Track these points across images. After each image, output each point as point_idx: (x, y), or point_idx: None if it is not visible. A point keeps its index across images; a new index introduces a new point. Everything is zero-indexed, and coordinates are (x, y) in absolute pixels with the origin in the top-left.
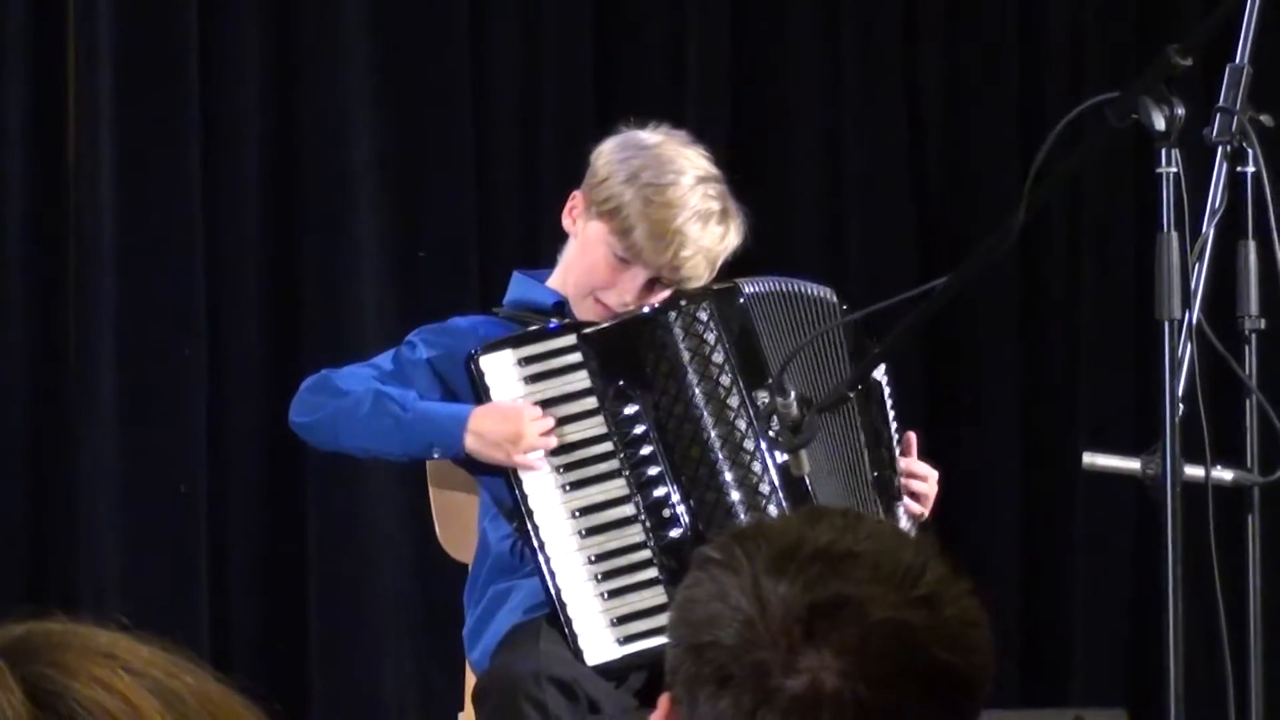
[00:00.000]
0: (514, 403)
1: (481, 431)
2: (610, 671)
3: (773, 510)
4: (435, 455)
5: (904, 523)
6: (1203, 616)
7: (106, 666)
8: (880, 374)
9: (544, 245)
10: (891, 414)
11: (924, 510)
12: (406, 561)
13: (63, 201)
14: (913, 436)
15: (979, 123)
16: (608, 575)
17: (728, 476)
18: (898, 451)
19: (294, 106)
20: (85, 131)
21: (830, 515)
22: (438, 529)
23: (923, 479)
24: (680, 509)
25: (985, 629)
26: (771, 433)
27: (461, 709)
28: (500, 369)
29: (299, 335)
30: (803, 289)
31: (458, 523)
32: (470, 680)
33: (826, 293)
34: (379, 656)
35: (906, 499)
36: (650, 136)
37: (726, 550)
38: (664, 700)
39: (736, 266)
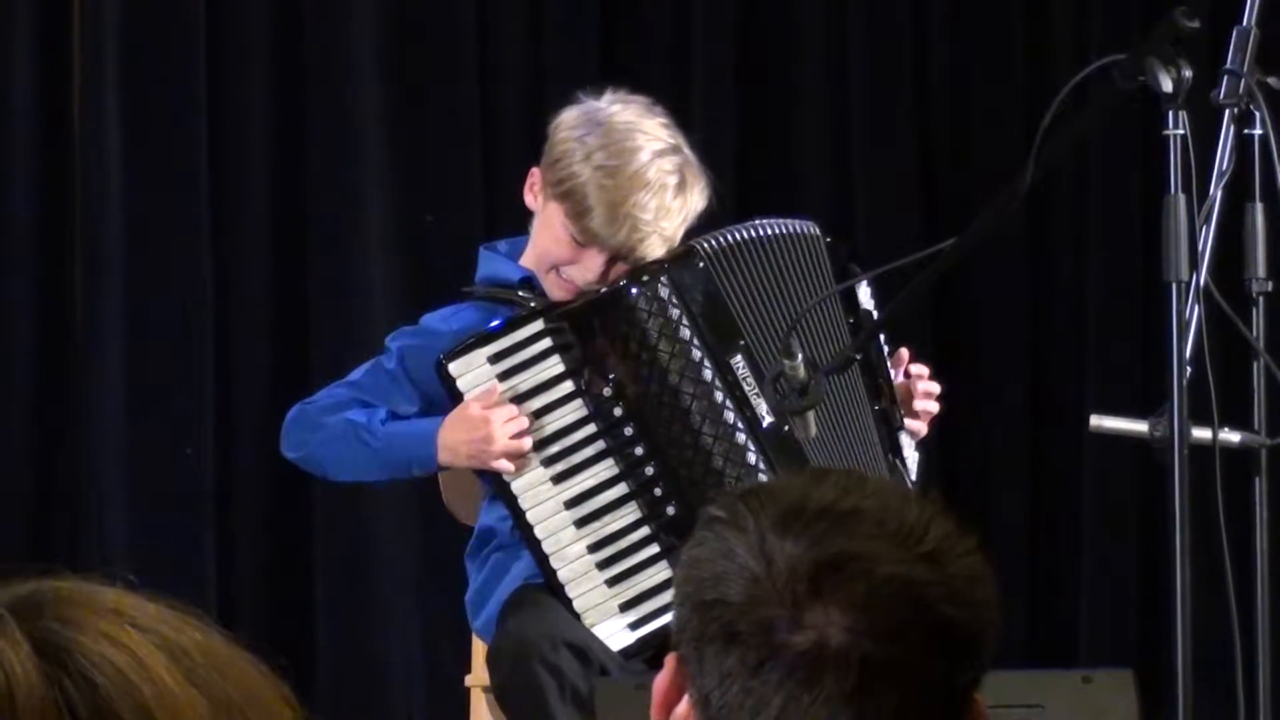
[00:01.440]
0: (483, 402)
1: (451, 444)
2: (627, 654)
3: (762, 477)
4: (415, 473)
5: (909, 451)
6: (1210, 578)
7: (113, 622)
8: (868, 302)
9: None
10: (882, 337)
11: (923, 428)
12: (412, 527)
13: (69, 178)
14: (904, 353)
15: (986, 86)
16: (607, 562)
17: (713, 449)
18: (892, 373)
19: (301, 93)
20: (91, 83)
21: (834, 475)
22: (444, 493)
23: (929, 390)
24: (670, 485)
25: (991, 585)
26: (778, 396)
27: (468, 673)
28: (471, 370)
29: (307, 306)
30: (767, 231)
31: (463, 486)
32: (476, 645)
33: (804, 227)
34: (385, 622)
35: (909, 422)
36: (606, 108)
37: (731, 509)
38: (670, 659)
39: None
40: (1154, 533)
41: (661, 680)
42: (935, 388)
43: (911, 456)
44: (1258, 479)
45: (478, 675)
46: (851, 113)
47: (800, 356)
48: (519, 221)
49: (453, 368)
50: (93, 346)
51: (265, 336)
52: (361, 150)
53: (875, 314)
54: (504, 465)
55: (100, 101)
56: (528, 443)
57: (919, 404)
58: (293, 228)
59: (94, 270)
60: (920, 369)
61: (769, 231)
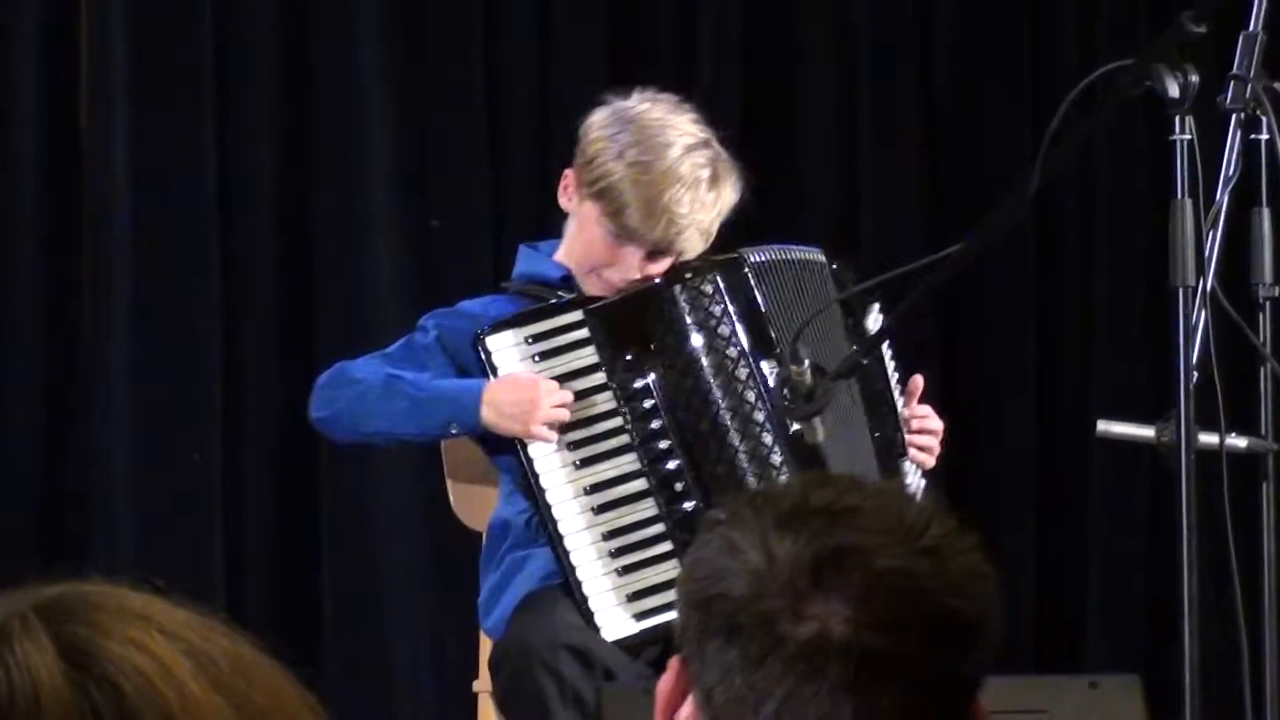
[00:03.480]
0: (530, 372)
1: (497, 403)
2: (628, 646)
3: (784, 480)
4: (454, 432)
5: (911, 478)
6: (1217, 583)
7: (140, 627)
8: (877, 323)
9: (558, 214)
10: (891, 365)
11: (930, 460)
12: (420, 530)
13: (77, 181)
14: (919, 379)
15: (993, 90)
16: (621, 551)
17: (739, 448)
18: (900, 404)
19: (307, 94)
20: (100, 97)
21: (835, 478)
22: (451, 497)
23: (931, 433)
24: (692, 482)
25: (991, 582)
26: (785, 401)
27: (476, 678)
28: (507, 348)
29: (314, 308)
30: (799, 254)
31: (472, 491)
32: (485, 649)
33: (814, 253)
34: (393, 626)
35: (913, 452)
36: (636, 106)
37: (733, 511)
38: (674, 662)
39: (743, 227)
40: (1161, 538)
41: (665, 683)
42: (935, 426)
43: (914, 483)
44: (1265, 484)
45: (486, 681)
46: (857, 117)
47: (807, 363)
48: (527, 226)
49: (490, 342)
50: (100, 351)
51: (273, 341)
52: (368, 156)
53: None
54: (544, 433)
55: (108, 107)
56: (566, 415)
57: (917, 440)
58: (299, 233)
59: (102, 276)
60: (923, 410)
61: (802, 256)
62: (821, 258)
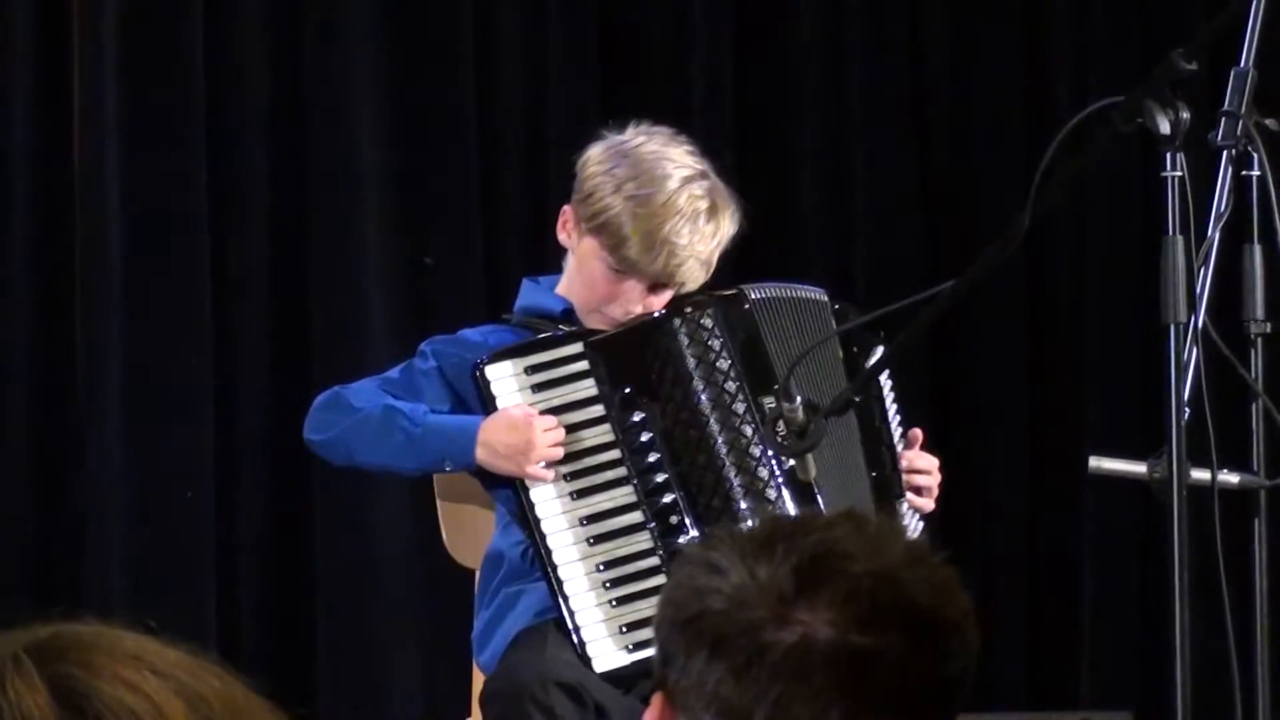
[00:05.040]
0: (523, 411)
1: (492, 443)
2: (619, 679)
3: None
4: (448, 469)
5: (907, 520)
6: (1209, 619)
7: (133, 668)
8: (882, 377)
9: (551, 243)
10: (893, 409)
11: (928, 504)
12: (413, 566)
13: (69, 209)
14: (918, 432)
15: (986, 127)
16: (615, 583)
17: (735, 482)
18: (900, 448)
19: (299, 118)
20: (91, 130)
21: (808, 513)
22: (444, 534)
23: (925, 472)
24: (687, 516)
25: (963, 591)
26: (779, 438)
27: (469, 714)
28: (506, 378)
29: (307, 340)
30: (801, 293)
31: (465, 528)
32: (478, 683)
33: (818, 293)
34: (386, 661)
35: (910, 495)
36: (632, 139)
37: (707, 540)
38: (657, 699)
39: (741, 259)
40: (1153, 574)
41: (650, 717)
42: (927, 466)
43: (911, 525)
44: (1257, 520)
45: (479, 716)
46: (852, 150)
47: (799, 399)
48: (518, 262)
49: (489, 372)
50: (92, 377)
51: (265, 373)
52: (362, 192)
53: (887, 384)
54: (540, 472)
55: (99, 118)
56: (561, 452)
57: (914, 480)
58: (293, 270)
59: (94, 313)
60: (914, 455)
61: (803, 294)
62: (824, 297)
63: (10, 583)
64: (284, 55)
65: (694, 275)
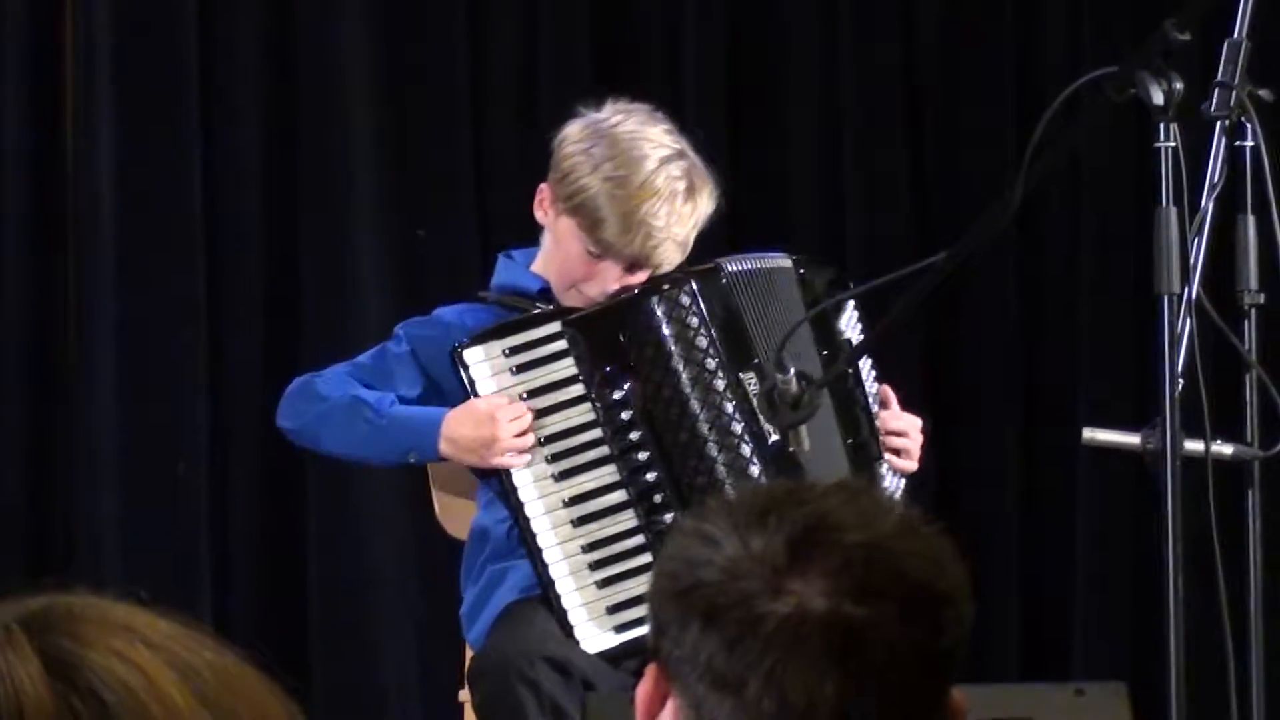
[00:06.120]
0: (490, 402)
1: (454, 437)
2: (609, 659)
3: None
4: (412, 460)
5: (888, 481)
6: (1203, 591)
7: (124, 639)
8: (853, 330)
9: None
10: (867, 367)
11: (910, 464)
12: (405, 542)
13: (61, 189)
14: (888, 390)
15: (976, 99)
16: (600, 564)
17: (717, 458)
18: (875, 408)
19: (292, 99)
20: (84, 112)
21: (800, 484)
22: (436, 507)
23: (902, 434)
24: (671, 493)
25: (958, 560)
26: (772, 410)
27: (461, 688)
28: (485, 361)
29: (299, 317)
30: (770, 263)
31: (456, 500)
32: (470, 659)
33: (783, 259)
34: (378, 637)
35: (889, 457)
36: (609, 118)
37: (700, 511)
38: (651, 670)
39: (732, 236)
40: (1147, 545)
41: (643, 689)
42: (905, 427)
43: (892, 486)
44: (1250, 491)
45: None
46: (842, 126)
47: (793, 370)
48: (509, 235)
49: (468, 355)
50: (85, 365)
51: (258, 353)
52: (353, 166)
53: (858, 338)
54: (506, 462)
55: (93, 116)
56: (530, 439)
57: (892, 442)
58: (285, 246)
59: (87, 293)
60: (890, 415)
61: (776, 263)
62: (787, 262)
63: (2, 556)
64: (277, 33)
65: (670, 256)
